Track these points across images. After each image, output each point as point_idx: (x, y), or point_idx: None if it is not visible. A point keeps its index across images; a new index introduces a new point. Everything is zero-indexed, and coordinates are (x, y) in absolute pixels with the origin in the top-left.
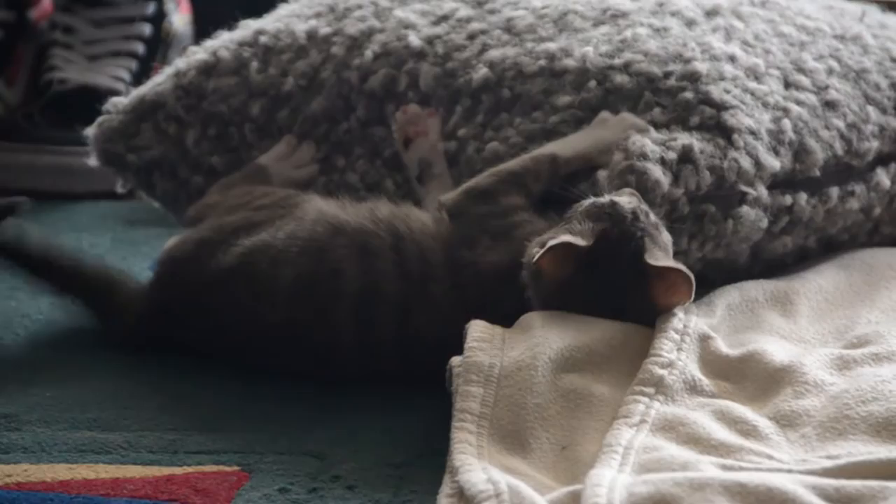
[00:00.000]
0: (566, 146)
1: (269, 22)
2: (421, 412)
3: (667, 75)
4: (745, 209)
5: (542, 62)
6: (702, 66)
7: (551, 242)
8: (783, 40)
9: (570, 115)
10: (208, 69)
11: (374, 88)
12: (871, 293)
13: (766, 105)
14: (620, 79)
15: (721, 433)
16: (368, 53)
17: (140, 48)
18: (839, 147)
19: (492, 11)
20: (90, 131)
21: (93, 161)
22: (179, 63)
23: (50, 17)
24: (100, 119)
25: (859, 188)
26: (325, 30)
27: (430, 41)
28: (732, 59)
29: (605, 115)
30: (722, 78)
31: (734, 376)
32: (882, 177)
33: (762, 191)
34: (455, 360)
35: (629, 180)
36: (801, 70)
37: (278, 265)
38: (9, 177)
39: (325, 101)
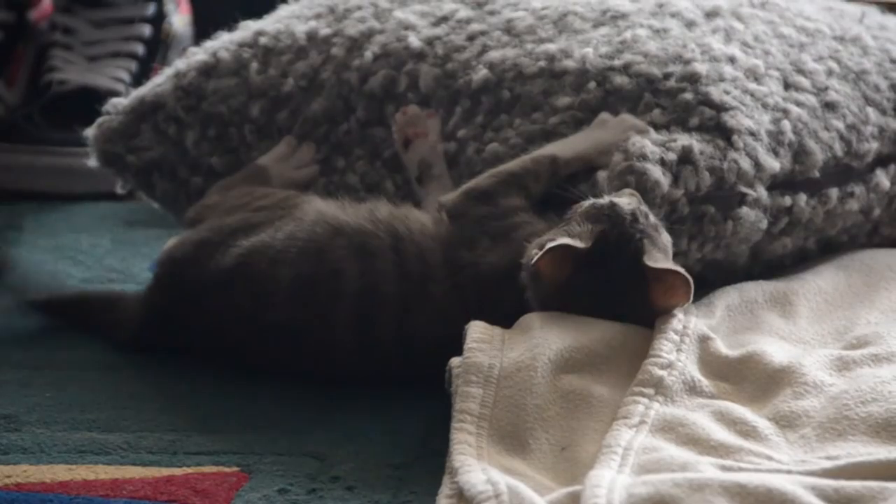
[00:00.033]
0: (566, 147)
1: (269, 23)
2: (420, 413)
3: (666, 76)
4: (744, 210)
5: (542, 63)
6: (701, 68)
7: (550, 244)
8: (783, 41)
9: (570, 117)
10: (208, 70)
11: (373, 89)
12: (871, 294)
13: (765, 106)
14: (620, 80)
15: (720, 434)
16: (368, 54)
17: (140, 49)
18: (839, 148)
19: (492, 13)
20: (90, 132)
21: (92, 162)
22: (179, 64)
23: (50, 18)
24: (99, 120)
25: (859, 189)
26: (324, 31)
27: (429, 42)
28: (732, 60)
29: (604, 116)
30: (722, 79)
31: (734, 377)
32: (881, 178)
33: (762, 192)
34: (455, 361)
35: (629, 181)
36: (800, 71)
37: (278, 266)
38: (8, 178)
39: (325, 102)
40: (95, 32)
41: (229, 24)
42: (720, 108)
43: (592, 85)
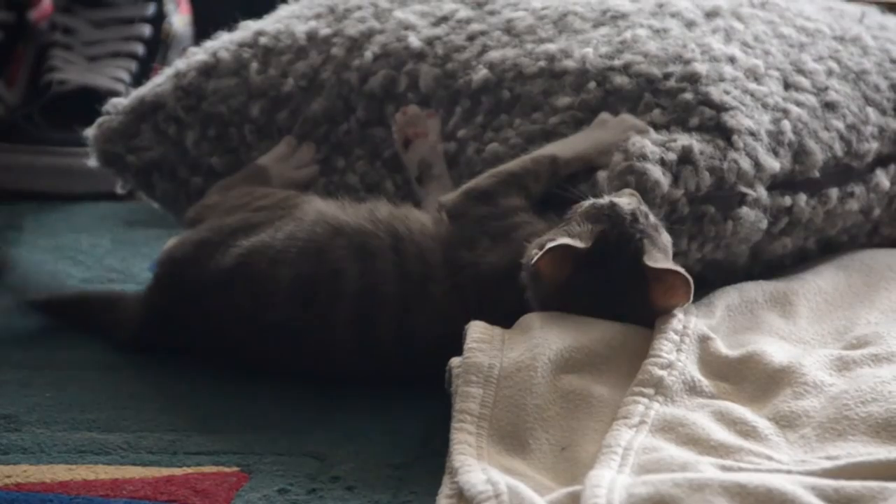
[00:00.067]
0: (566, 147)
1: (269, 23)
2: (420, 413)
3: (666, 76)
4: (744, 210)
5: (542, 63)
6: (701, 68)
7: (550, 244)
8: (783, 41)
9: (570, 117)
10: (208, 70)
11: (373, 89)
12: (871, 294)
13: (765, 106)
14: (620, 80)
15: (720, 434)
16: (368, 54)
17: (140, 49)
18: (839, 148)
19: (492, 13)
20: (90, 132)
21: (92, 162)
22: (179, 64)
23: (50, 18)
24: (99, 120)
25: (859, 189)
26: (324, 31)
27: (429, 42)
28: (732, 60)
29: (604, 116)
30: (722, 79)
31: (733, 377)
32: (881, 178)
33: (762, 192)
34: (455, 361)
35: (629, 181)
36: (800, 71)
37: (277, 266)
38: (8, 178)
39: (325, 102)
40: (95, 32)
41: (229, 24)
42: (720, 108)
43: (592, 85)
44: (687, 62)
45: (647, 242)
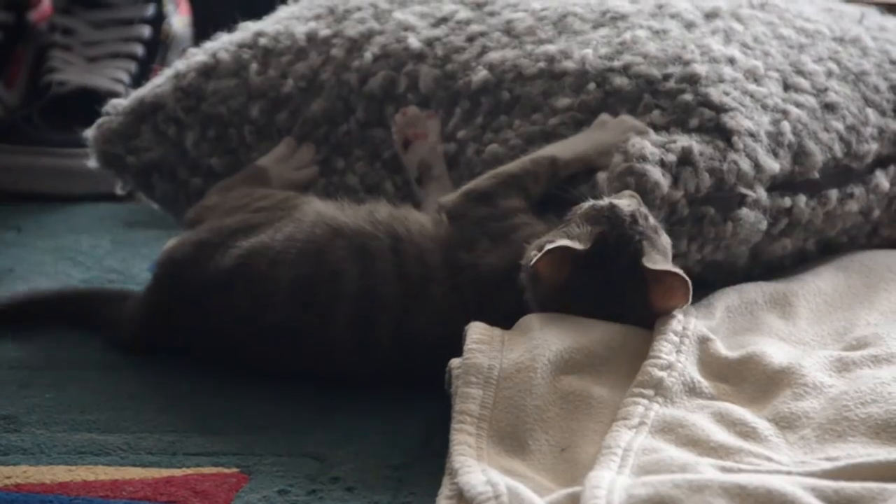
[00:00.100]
0: (566, 148)
1: (269, 24)
2: (420, 414)
3: (666, 77)
4: (744, 211)
5: (542, 64)
6: (701, 69)
7: (548, 246)
8: (782, 42)
9: (570, 118)
10: (208, 71)
11: (373, 90)
12: (870, 295)
13: (765, 107)
14: (620, 81)
15: (720, 435)
16: (368, 55)
17: (139, 50)
18: (838, 149)
19: (491, 13)
20: (89, 133)
21: (92, 163)
22: (179, 65)
23: (49, 19)
24: (99, 121)
25: (858, 190)
26: (324, 32)
27: (429, 43)
28: (732, 61)
29: (604, 117)
30: (721, 80)
31: (733, 378)
32: (881, 179)
33: (761, 193)
34: (454, 362)
35: (629, 182)
36: (800, 72)
37: (277, 267)
38: (8, 179)
39: (325, 103)
40: (95, 33)
41: (229, 25)
42: (720, 109)
43: (592, 86)
44: (686, 63)
45: (646, 244)
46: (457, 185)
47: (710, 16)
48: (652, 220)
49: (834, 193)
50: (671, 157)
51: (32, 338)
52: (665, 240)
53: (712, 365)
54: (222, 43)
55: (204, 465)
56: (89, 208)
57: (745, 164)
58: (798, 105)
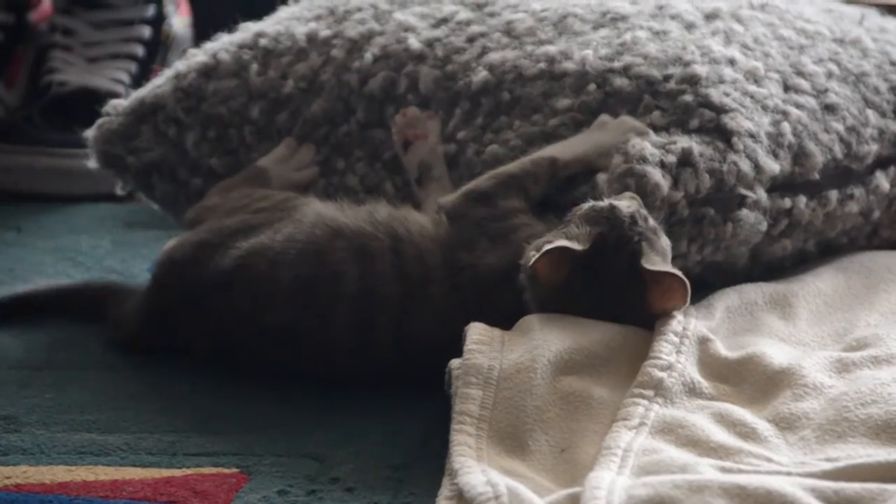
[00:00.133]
0: (566, 149)
1: (269, 25)
2: (420, 414)
3: (666, 78)
4: (744, 212)
5: (542, 65)
6: (701, 70)
7: (547, 246)
8: (783, 44)
9: (570, 118)
10: (208, 71)
11: (373, 91)
12: (870, 296)
13: (765, 108)
14: (620, 82)
15: (720, 435)
16: (368, 56)
17: (139, 50)
18: (838, 150)
19: (491, 14)
20: (90, 133)
21: (92, 163)
22: (179, 65)
23: (49, 20)
24: (99, 121)
25: (858, 191)
26: (324, 32)
27: (429, 44)
28: (732, 62)
29: (604, 118)
30: (721, 81)
31: (733, 379)
32: (881, 180)
33: (761, 194)
34: (454, 363)
35: (629, 184)
36: (800, 73)
37: (277, 267)
38: (8, 179)
39: (325, 104)
40: (95, 34)
41: (229, 25)
42: (720, 110)
43: (592, 87)
44: (687, 64)
45: (645, 245)
46: (457, 185)
47: (711, 17)
48: (652, 221)
49: (834, 194)
50: (671, 158)
51: (32, 338)
52: (665, 242)
53: (712, 365)
54: (222, 43)
55: (204, 466)
56: (89, 208)
57: (746, 165)
58: (798, 106)
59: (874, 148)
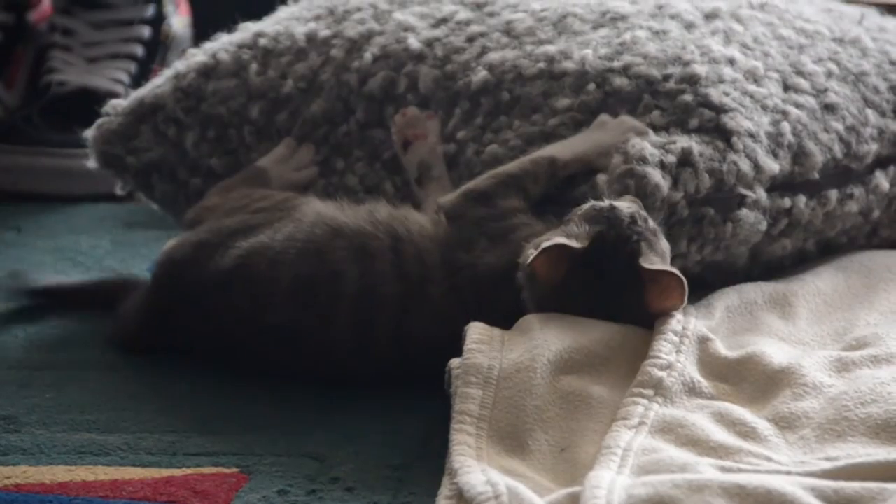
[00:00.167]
0: (565, 149)
1: (269, 24)
2: (420, 414)
3: (666, 78)
4: (744, 212)
5: (542, 65)
6: (701, 69)
7: (545, 244)
8: (782, 43)
9: (570, 118)
10: (207, 71)
11: (373, 91)
12: (870, 296)
13: (765, 108)
14: (619, 81)
15: (720, 435)
16: (368, 56)
17: (139, 50)
18: (838, 150)
19: (491, 14)
20: (89, 133)
21: (92, 163)
22: (179, 65)
23: (49, 20)
24: (99, 121)
25: (858, 191)
26: (324, 32)
27: (429, 44)
28: (732, 61)
29: (604, 117)
30: (721, 81)
31: (733, 378)
32: (881, 179)
33: (761, 193)
34: (454, 362)
35: (628, 184)
36: (800, 73)
37: (277, 267)
38: (8, 179)
39: (325, 104)
40: (95, 34)
41: (229, 25)
42: (720, 109)
43: (592, 86)
44: (686, 64)
45: (643, 245)
46: (456, 185)
47: (710, 16)
48: (651, 223)
49: (834, 194)
50: (671, 158)
51: (32, 338)
52: (664, 244)
53: (712, 365)
54: (222, 43)
55: (204, 465)
56: (89, 208)
57: (745, 165)
58: (798, 106)
59: (874, 147)
